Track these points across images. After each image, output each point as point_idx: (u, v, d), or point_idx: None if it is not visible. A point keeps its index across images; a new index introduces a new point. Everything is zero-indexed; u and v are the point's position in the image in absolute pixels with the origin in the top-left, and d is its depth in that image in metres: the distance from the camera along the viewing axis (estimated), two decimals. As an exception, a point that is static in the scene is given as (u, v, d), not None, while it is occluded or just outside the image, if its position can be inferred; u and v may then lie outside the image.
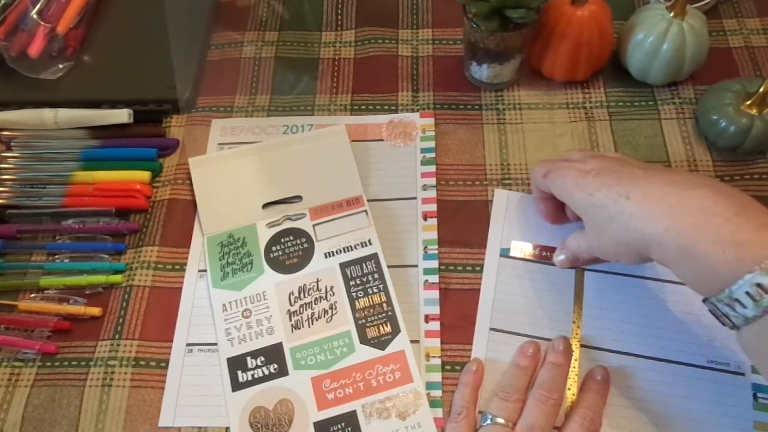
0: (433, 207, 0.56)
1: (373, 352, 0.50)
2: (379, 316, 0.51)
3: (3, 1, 0.65)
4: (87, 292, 0.54)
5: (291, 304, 0.52)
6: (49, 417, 0.49)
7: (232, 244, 0.55)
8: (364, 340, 0.50)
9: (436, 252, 0.54)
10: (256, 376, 0.50)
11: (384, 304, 0.51)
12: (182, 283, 0.54)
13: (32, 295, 0.54)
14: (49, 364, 0.51)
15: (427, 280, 0.53)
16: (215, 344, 0.51)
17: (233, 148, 0.60)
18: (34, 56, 0.63)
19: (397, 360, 0.49)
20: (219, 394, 0.49)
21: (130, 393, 0.49)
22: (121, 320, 0.52)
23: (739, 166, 0.56)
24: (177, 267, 0.55)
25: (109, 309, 0.53)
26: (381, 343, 0.50)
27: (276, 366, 0.50)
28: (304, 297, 0.52)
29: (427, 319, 0.51)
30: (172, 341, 0.52)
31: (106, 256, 0.55)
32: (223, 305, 0.52)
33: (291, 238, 0.55)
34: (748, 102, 0.54)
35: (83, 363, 0.51)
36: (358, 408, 0.48)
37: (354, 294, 0.52)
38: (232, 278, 0.53)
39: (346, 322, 0.51)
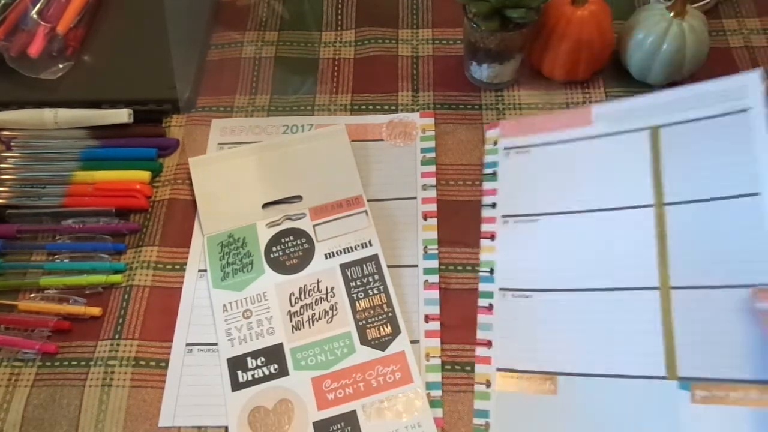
0: (433, 207, 0.56)
1: (374, 353, 0.50)
2: (380, 317, 0.51)
3: (3, 1, 0.65)
4: (87, 292, 0.54)
5: (291, 305, 0.52)
6: (49, 417, 0.49)
7: (232, 244, 0.55)
8: (364, 341, 0.50)
9: (436, 252, 0.54)
10: (256, 376, 0.50)
11: (384, 306, 0.51)
12: (182, 283, 0.54)
13: (32, 295, 0.54)
14: (49, 364, 0.51)
15: (427, 280, 0.53)
16: (215, 344, 0.51)
17: (233, 148, 0.60)
18: (34, 56, 0.63)
19: (397, 361, 0.49)
20: (219, 394, 0.49)
21: (130, 393, 0.49)
22: (121, 320, 0.52)
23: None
24: (177, 267, 0.55)
25: (109, 309, 0.53)
26: (381, 344, 0.50)
27: (276, 366, 0.50)
28: (305, 298, 0.52)
29: (427, 319, 0.51)
30: (172, 341, 0.52)
31: (106, 256, 0.55)
32: (224, 305, 0.52)
33: (291, 238, 0.55)
34: (748, 102, 0.54)
35: (83, 363, 0.51)
36: (358, 408, 0.48)
37: (354, 295, 0.52)
38: (232, 278, 0.53)
39: (346, 323, 0.51)
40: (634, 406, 0.45)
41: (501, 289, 0.51)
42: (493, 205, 0.55)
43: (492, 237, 0.53)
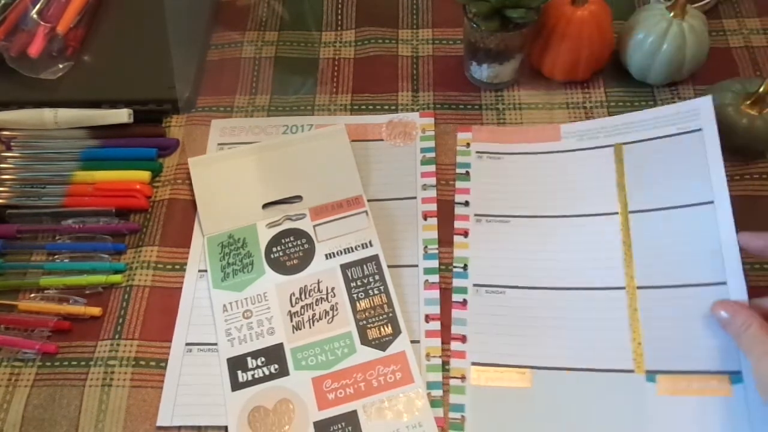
0: (433, 207, 0.56)
1: (374, 353, 0.50)
2: (380, 317, 0.51)
3: (3, 1, 0.65)
4: (87, 292, 0.54)
5: (292, 305, 0.52)
6: (49, 417, 0.49)
7: (233, 245, 0.55)
8: (365, 341, 0.50)
9: (437, 252, 0.54)
10: (256, 376, 0.49)
11: (385, 306, 0.51)
12: (182, 283, 0.54)
13: (32, 295, 0.54)
14: (49, 364, 0.51)
15: (427, 280, 0.53)
16: (215, 344, 0.51)
17: (233, 148, 0.60)
18: (34, 56, 0.63)
19: (397, 361, 0.49)
20: (218, 394, 0.49)
21: (130, 393, 0.49)
22: (120, 320, 0.52)
23: (739, 166, 0.56)
24: (177, 267, 0.55)
25: (109, 309, 0.53)
26: (382, 344, 0.50)
27: (276, 366, 0.50)
28: (305, 298, 0.52)
29: (428, 319, 0.51)
30: (171, 341, 0.52)
31: (106, 256, 0.55)
32: (224, 306, 0.52)
33: (291, 238, 0.55)
34: (748, 102, 0.54)
35: (83, 363, 0.51)
36: (358, 408, 0.48)
37: (355, 295, 0.52)
38: (232, 279, 0.53)
39: (347, 323, 0.51)
40: (604, 399, 0.47)
41: (475, 285, 0.52)
42: (466, 203, 0.56)
43: (465, 234, 0.54)
